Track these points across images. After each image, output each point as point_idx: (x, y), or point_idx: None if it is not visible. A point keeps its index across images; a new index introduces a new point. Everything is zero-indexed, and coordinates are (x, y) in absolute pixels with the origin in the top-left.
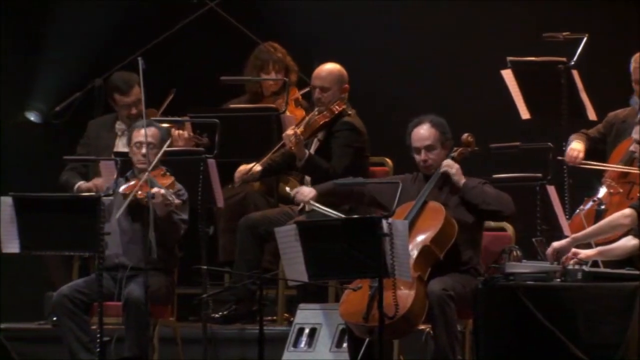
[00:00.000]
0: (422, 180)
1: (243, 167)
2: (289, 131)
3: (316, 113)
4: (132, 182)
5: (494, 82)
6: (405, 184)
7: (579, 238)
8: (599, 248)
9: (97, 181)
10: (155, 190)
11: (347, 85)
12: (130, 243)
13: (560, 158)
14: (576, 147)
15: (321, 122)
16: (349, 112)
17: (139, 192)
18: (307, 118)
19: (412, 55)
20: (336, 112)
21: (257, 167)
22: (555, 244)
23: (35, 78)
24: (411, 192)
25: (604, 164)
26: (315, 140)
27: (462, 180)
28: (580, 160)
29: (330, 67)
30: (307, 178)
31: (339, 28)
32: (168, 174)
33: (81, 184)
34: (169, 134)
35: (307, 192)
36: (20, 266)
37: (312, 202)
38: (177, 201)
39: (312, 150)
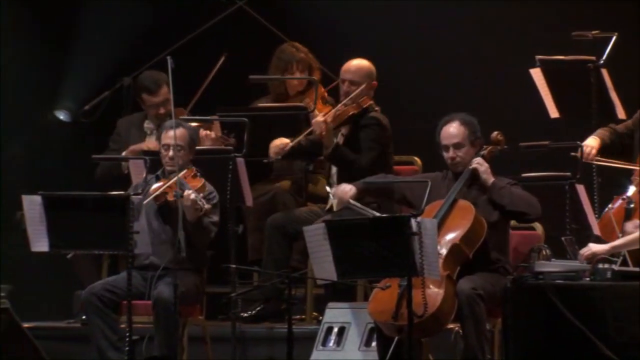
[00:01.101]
0: (451, 179)
1: (279, 142)
2: (319, 118)
3: (345, 105)
4: (162, 183)
5: (523, 80)
6: (435, 183)
7: (618, 246)
8: (612, 243)
9: (150, 144)
10: (185, 193)
11: (375, 82)
12: (160, 243)
13: (573, 154)
14: (590, 143)
15: (349, 114)
16: (376, 108)
17: (168, 195)
18: (335, 108)
19: (441, 54)
20: (364, 106)
21: (289, 145)
22: (596, 249)
23: (65, 77)
24: (440, 190)
25: (618, 162)
26: (340, 135)
27: (490, 179)
28: (592, 156)
29: (360, 62)
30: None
31: (367, 25)
32: (199, 175)
33: (132, 147)
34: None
35: (347, 189)
36: (50, 265)
37: (351, 201)
38: (207, 206)
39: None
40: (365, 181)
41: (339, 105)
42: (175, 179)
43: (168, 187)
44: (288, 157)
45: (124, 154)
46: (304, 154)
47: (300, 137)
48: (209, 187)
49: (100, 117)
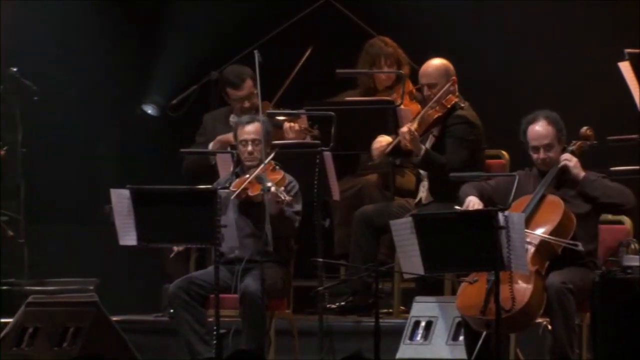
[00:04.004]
0: (536, 175)
1: (379, 144)
2: (404, 128)
3: (429, 109)
4: (242, 179)
5: (612, 74)
6: (521, 178)
7: None
8: None
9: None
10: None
11: (454, 77)
12: (244, 237)
13: None
14: None
15: (435, 117)
16: (462, 105)
17: (249, 190)
18: (420, 114)
19: (528, 47)
20: (448, 107)
21: (391, 145)
22: None
23: (153, 71)
24: (526, 186)
25: None
26: (431, 136)
27: (581, 173)
28: None
29: (434, 62)
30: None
31: (454, 19)
32: (277, 167)
33: (219, 137)
34: (280, 125)
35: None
36: (138, 259)
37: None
38: (287, 198)
39: (428, 145)
40: (451, 175)
41: (423, 110)
42: (255, 173)
43: (249, 182)
44: (391, 155)
45: (211, 144)
46: (406, 153)
47: (399, 138)
48: (289, 177)
49: (187, 111)
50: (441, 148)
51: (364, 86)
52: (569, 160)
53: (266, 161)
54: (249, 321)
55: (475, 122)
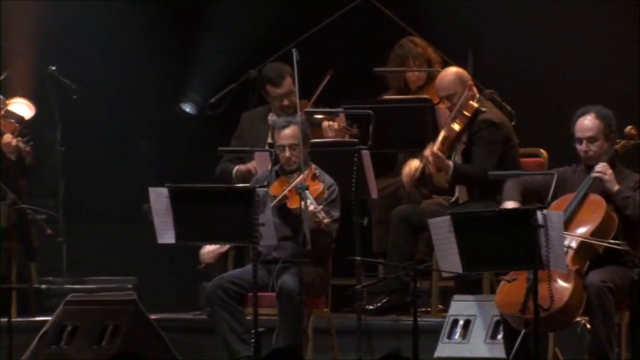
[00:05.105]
0: (583, 172)
1: (413, 165)
2: (426, 151)
3: (450, 123)
4: (280, 184)
5: None
6: (565, 176)
7: None
8: None
9: (255, 163)
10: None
11: (470, 82)
12: (282, 239)
13: None
14: None
15: (457, 131)
16: (483, 109)
17: (288, 202)
18: (441, 134)
19: (572, 45)
20: (470, 115)
21: (419, 169)
22: None
23: (191, 70)
24: (571, 184)
25: None
26: (461, 143)
27: (614, 187)
28: None
29: (446, 73)
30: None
31: (494, 17)
32: (317, 173)
33: (239, 167)
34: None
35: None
36: (176, 257)
37: None
38: (326, 220)
39: (458, 155)
40: (490, 174)
41: (443, 129)
42: (294, 182)
43: (288, 191)
44: (420, 180)
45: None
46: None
47: (424, 162)
48: (329, 181)
49: (225, 110)
50: (471, 153)
51: (395, 87)
52: (603, 172)
53: (305, 172)
54: (286, 317)
55: (500, 122)
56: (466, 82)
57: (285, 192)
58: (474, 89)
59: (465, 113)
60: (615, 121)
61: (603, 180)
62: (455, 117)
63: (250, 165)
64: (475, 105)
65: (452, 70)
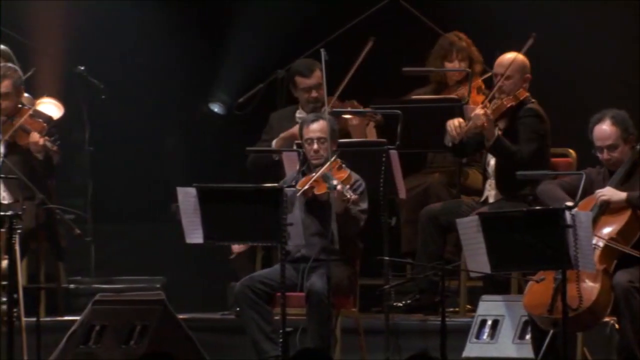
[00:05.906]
0: (606, 174)
1: (457, 120)
2: (479, 110)
3: (504, 97)
4: (308, 177)
5: None
6: (592, 177)
7: None
8: None
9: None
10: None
11: (529, 75)
12: (310, 236)
13: None
14: None
15: (508, 106)
16: (532, 100)
17: (315, 189)
18: (493, 101)
19: (598, 46)
20: (521, 98)
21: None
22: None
23: (219, 70)
24: (596, 185)
25: None
26: (497, 129)
27: (623, 196)
28: None
29: (513, 55)
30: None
31: (522, 18)
32: (344, 166)
33: (281, 135)
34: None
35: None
36: (204, 257)
37: None
38: (353, 197)
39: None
40: (518, 173)
41: (496, 99)
42: (321, 171)
43: (314, 181)
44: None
45: (274, 142)
46: (468, 147)
47: (471, 124)
48: (355, 176)
49: (254, 109)
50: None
51: (435, 81)
52: (603, 194)
53: (332, 159)
54: (314, 319)
55: (545, 117)
56: (526, 73)
57: (312, 180)
58: (528, 83)
59: (518, 95)
60: (631, 122)
61: (610, 201)
62: (506, 95)
63: (294, 130)
64: (527, 94)
65: (519, 56)
